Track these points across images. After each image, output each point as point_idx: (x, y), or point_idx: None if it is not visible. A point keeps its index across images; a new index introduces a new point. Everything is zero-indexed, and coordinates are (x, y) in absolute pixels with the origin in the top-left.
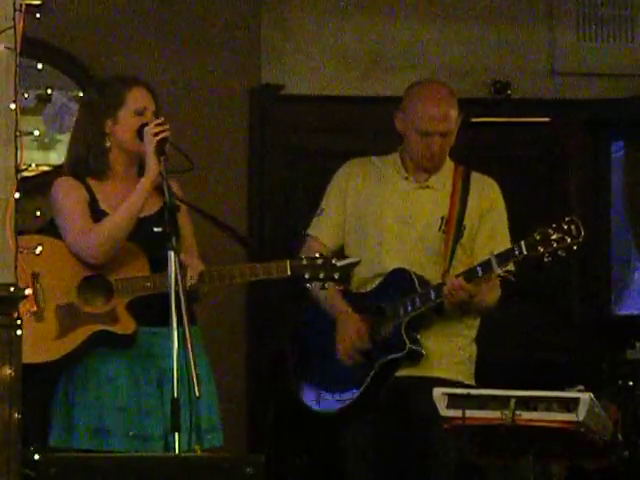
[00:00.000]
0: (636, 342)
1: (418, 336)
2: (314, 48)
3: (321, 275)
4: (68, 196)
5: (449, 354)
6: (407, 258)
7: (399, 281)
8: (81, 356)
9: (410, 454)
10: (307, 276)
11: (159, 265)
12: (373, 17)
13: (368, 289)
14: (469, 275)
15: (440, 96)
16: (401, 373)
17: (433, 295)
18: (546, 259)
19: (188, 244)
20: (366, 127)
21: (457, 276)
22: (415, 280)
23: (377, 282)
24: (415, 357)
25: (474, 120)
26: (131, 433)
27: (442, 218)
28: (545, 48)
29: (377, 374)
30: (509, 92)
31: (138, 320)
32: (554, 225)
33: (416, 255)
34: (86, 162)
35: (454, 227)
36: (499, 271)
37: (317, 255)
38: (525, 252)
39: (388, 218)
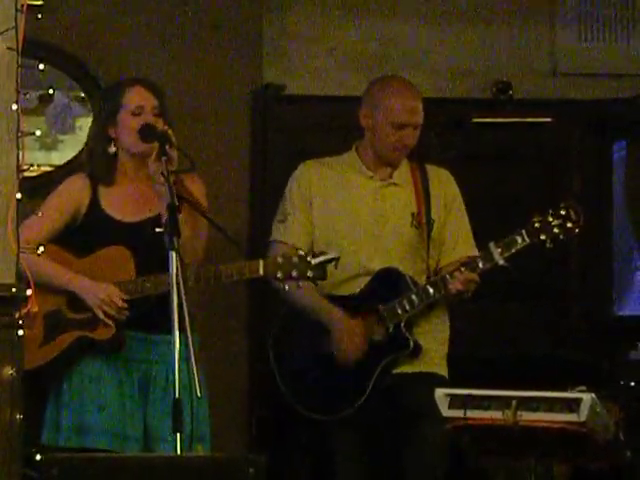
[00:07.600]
0: (638, 342)
1: (413, 332)
2: (316, 48)
3: (294, 273)
4: (58, 195)
5: (434, 349)
6: (385, 256)
7: (390, 281)
8: (67, 362)
9: (399, 449)
10: (279, 275)
11: (161, 267)
12: (375, 18)
13: (355, 290)
14: (470, 267)
15: (412, 90)
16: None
17: (432, 292)
18: (548, 245)
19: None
20: None
21: (460, 270)
22: (408, 279)
23: (363, 283)
24: (418, 352)
25: (476, 120)
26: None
27: (412, 214)
28: (547, 48)
29: (380, 375)
30: (511, 92)
31: (122, 325)
32: (551, 211)
33: (394, 252)
34: (91, 169)
35: (424, 222)
36: (501, 261)
37: (295, 252)
38: (527, 240)
39: (362, 217)
